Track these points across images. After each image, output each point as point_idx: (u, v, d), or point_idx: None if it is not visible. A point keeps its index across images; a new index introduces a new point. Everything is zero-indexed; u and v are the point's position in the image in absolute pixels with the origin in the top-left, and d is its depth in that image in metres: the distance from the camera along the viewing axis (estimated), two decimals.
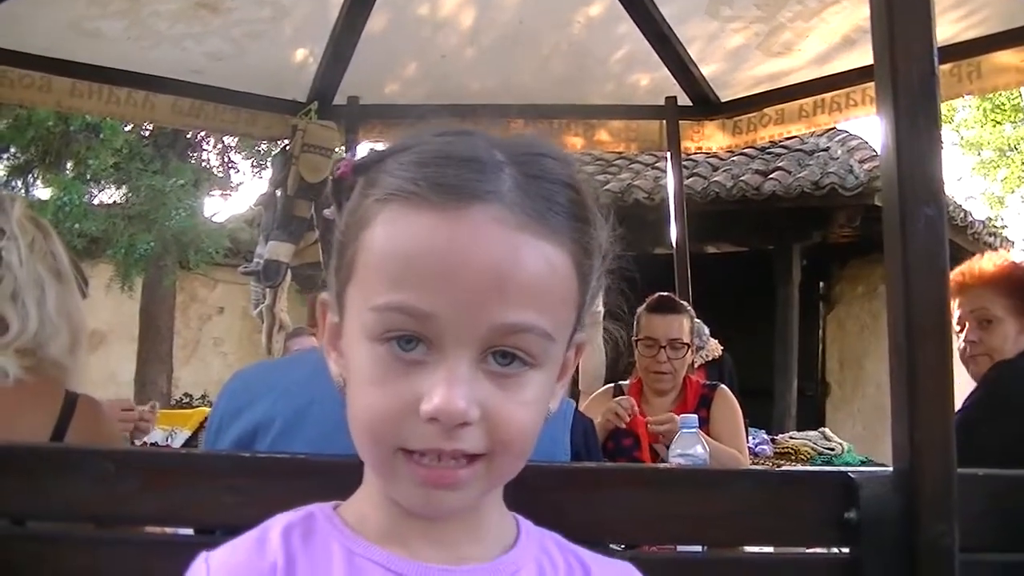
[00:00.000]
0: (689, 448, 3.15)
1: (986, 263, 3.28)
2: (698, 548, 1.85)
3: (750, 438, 4.86)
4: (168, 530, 1.76)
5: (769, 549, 1.78)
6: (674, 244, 5.49)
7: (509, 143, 1.01)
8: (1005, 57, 4.22)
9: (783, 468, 3.91)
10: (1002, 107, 23.29)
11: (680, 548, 1.86)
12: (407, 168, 0.97)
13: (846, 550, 1.51)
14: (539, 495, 1.20)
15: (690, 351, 4.16)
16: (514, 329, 0.95)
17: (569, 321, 1.02)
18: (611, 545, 1.72)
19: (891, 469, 1.51)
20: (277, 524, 1.05)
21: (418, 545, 1.02)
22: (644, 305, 4.20)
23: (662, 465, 3.32)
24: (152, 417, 3.52)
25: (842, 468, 2.00)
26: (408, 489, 0.98)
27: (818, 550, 1.70)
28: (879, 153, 1.62)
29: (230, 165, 13.56)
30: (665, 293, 4.33)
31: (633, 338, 4.18)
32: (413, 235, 0.94)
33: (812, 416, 10.72)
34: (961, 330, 3.24)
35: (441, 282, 0.92)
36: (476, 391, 0.94)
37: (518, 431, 0.97)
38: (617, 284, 1.13)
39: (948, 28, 4.25)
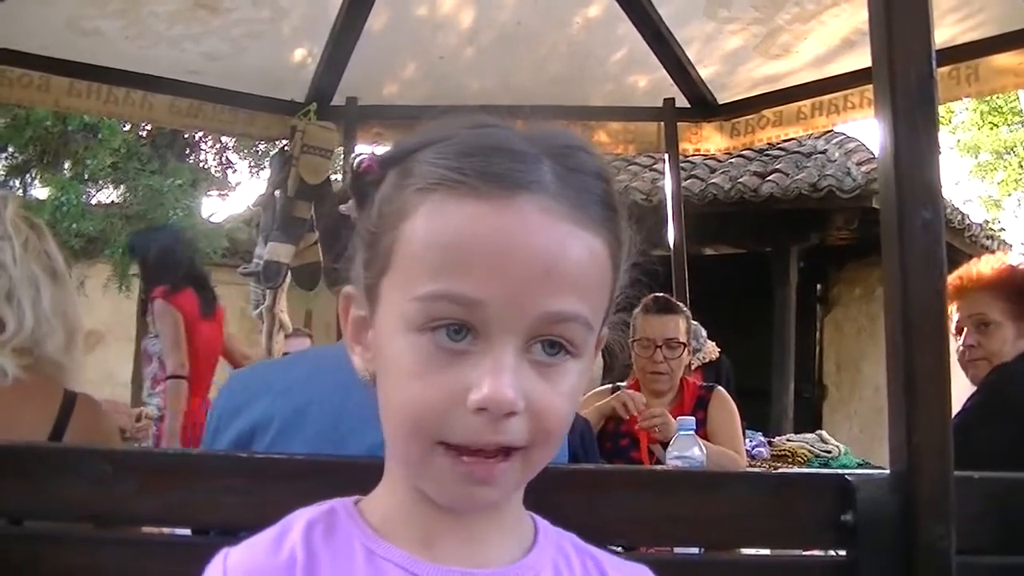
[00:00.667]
0: (686, 450, 3.16)
1: (983, 266, 3.27)
2: (695, 550, 1.86)
3: (747, 440, 4.87)
4: (165, 530, 1.76)
5: (766, 551, 1.79)
6: (672, 246, 5.49)
7: (541, 136, 1.02)
8: (1004, 60, 4.22)
9: (780, 470, 3.91)
10: (999, 110, 23.34)
11: (677, 550, 1.87)
12: (450, 158, 0.97)
13: (843, 552, 1.51)
14: (539, 496, 1.20)
15: (686, 351, 4.17)
16: (560, 317, 0.95)
17: (603, 311, 1.03)
18: (609, 547, 1.73)
19: (888, 471, 1.51)
20: (299, 521, 1.05)
21: (439, 545, 1.02)
22: (640, 306, 4.21)
23: (660, 467, 3.32)
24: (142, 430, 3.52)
25: (839, 471, 2.01)
26: (445, 483, 0.97)
27: (815, 552, 1.70)
28: (877, 155, 1.62)
29: (228, 165, 13.57)
30: (660, 294, 4.34)
31: (630, 340, 4.18)
32: (461, 223, 0.94)
33: (809, 418, 10.73)
34: (959, 334, 3.24)
35: (491, 270, 0.92)
36: (522, 381, 0.94)
37: (557, 422, 0.97)
38: (639, 278, 1.12)
39: (947, 31, 4.25)
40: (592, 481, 1.58)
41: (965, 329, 3.23)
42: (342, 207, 1.12)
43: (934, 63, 1.51)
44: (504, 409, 0.92)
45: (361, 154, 1.08)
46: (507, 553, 1.05)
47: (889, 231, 1.53)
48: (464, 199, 0.94)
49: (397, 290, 0.98)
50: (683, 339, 4.09)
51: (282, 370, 1.90)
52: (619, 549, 1.69)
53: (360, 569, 1.00)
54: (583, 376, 1.01)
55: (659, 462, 3.74)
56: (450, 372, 0.94)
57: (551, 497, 1.34)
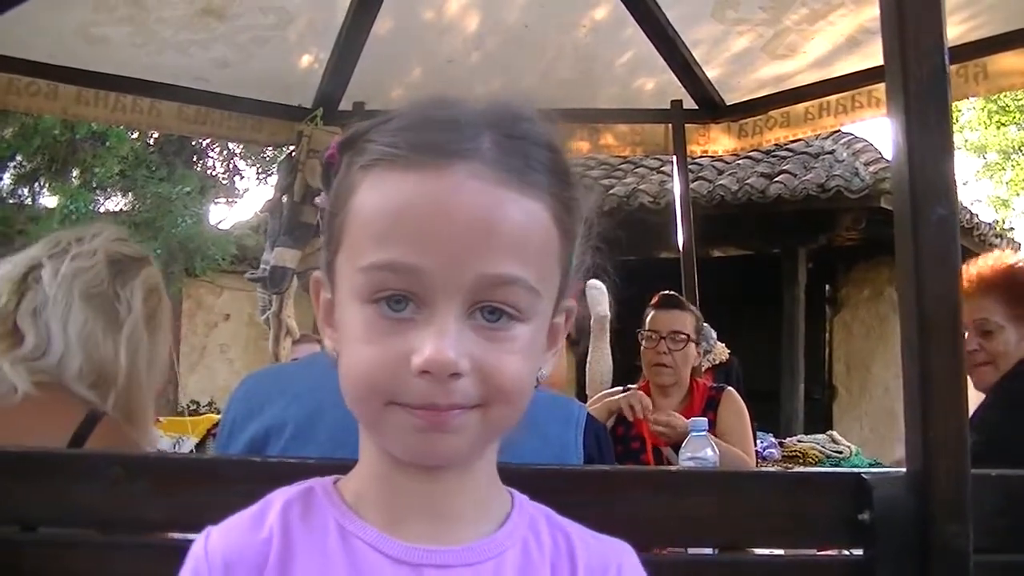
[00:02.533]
0: (699, 451, 3.15)
1: (984, 268, 3.23)
2: (709, 550, 1.85)
3: (758, 442, 4.86)
4: (177, 535, 1.76)
5: (779, 551, 1.78)
6: (681, 248, 5.49)
7: (491, 108, 1.05)
8: (1011, 58, 4.21)
9: (796, 470, 3.90)
10: (1007, 108, 23.27)
11: (692, 550, 1.86)
12: (390, 134, 1.01)
13: (859, 551, 1.51)
14: (553, 498, 1.19)
15: (692, 346, 4.16)
16: (499, 280, 0.97)
17: (554, 277, 1.05)
18: None
19: (904, 470, 1.51)
20: (277, 500, 1.09)
21: (409, 521, 1.05)
22: (650, 303, 4.23)
23: (674, 467, 3.32)
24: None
25: (855, 469, 2.00)
26: (404, 437, 1.00)
27: (831, 552, 1.69)
28: (890, 152, 1.61)
29: (235, 172, 13.60)
30: (670, 291, 4.35)
31: (639, 337, 4.20)
32: (396, 193, 0.98)
33: (819, 419, 10.72)
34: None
35: (424, 236, 0.95)
36: (465, 344, 0.96)
37: (510, 379, 0.99)
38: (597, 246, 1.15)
39: (954, 29, 4.24)
40: (606, 482, 1.58)
41: (966, 333, 3.19)
42: (318, 200, 1.17)
43: (946, 58, 1.51)
44: (446, 370, 0.95)
45: (329, 146, 1.11)
46: (477, 529, 1.07)
47: (903, 228, 1.52)
48: (400, 171, 0.99)
49: (347, 263, 1.02)
50: (688, 332, 4.10)
51: (295, 375, 1.90)
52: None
53: (333, 546, 1.04)
54: (536, 339, 1.03)
55: (670, 464, 3.74)
56: (397, 338, 0.97)
57: (565, 497, 1.34)
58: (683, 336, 4.08)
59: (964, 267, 3.24)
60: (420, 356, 0.95)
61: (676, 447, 3.55)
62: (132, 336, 2.20)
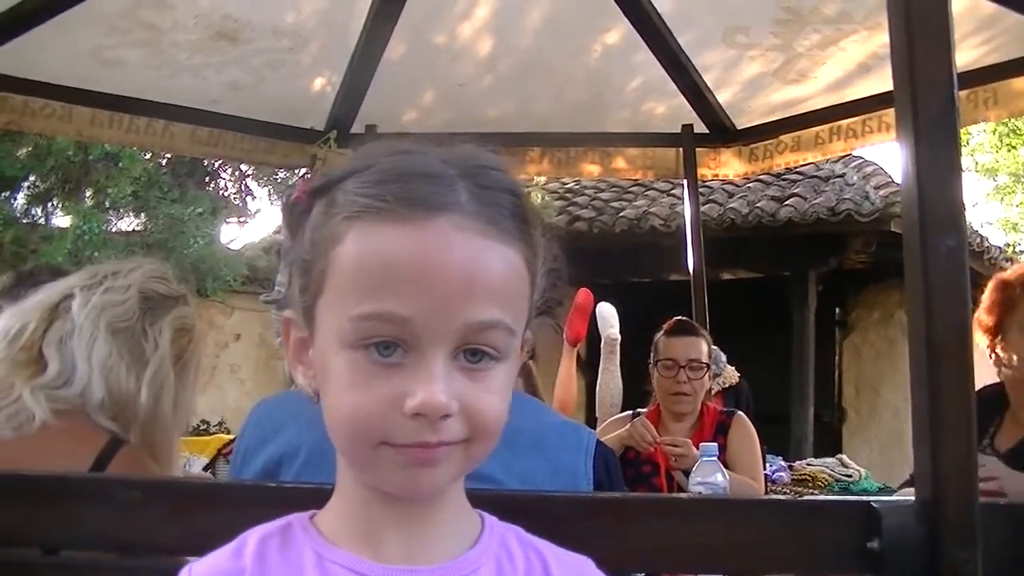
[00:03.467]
0: (709, 476, 3.15)
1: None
2: None
3: (767, 465, 4.85)
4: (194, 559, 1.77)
5: None
6: (691, 271, 5.50)
7: (456, 157, 1.09)
8: (1022, 83, 4.22)
9: (806, 497, 3.89)
10: (1017, 131, 23.22)
11: None
12: (372, 186, 1.05)
13: None
14: (564, 525, 1.21)
15: (708, 373, 4.18)
16: (483, 326, 1.02)
17: (524, 315, 1.11)
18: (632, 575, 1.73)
19: (913, 498, 1.51)
20: (255, 534, 1.13)
21: (384, 545, 1.09)
22: (662, 330, 4.22)
23: (684, 494, 3.32)
24: None
25: (865, 497, 2.00)
26: (392, 471, 1.03)
27: None
28: (899, 183, 1.63)
29: (247, 193, 13.64)
30: (682, 317, 4.35)
31: (651, 363, 4.20)
32: (386, 246, 1.01)
33: (829, 442, 10.68)
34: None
35: (415, 287, 1.00)
36: (452, 385, 1.01)
37: (491, 418, 1.05)
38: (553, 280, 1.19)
39: (966, 54, 4.25)
40: (616, 508, 1.59)
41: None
42: (275, 234, 1.18)
43: (956, 90, 1.52)
44: (439, 412, 1.00)
45: (293, 185, 1.14)
46: (449, 550, 1.11)
47: (912, 259, 1.53)
48: (387, 223, 1.02)
49: (332, 311, 1.05)
50: (706, 360, 4.10)
51: (307, 400, 1.91)
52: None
53: (311, 574, 1.07)
54: (510, 375, 1.09)
55: (680, 488, 3.74)
56: (386, 383, 1.01)
57: (575, 525, 1.35)
58: (701, 364, 4.09)
59: (1007, 273, 3.21)
60: (414, 400, 0.99)
61: (687, 472, 3.55)
62: (157, 375, 2.20)
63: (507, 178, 1.11)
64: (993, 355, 3.15)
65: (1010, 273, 3.24)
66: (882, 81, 4.63)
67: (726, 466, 3.46)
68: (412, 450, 1.01)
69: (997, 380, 3.20)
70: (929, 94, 1.52)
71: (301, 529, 1.12)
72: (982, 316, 3.16)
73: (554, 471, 1.72)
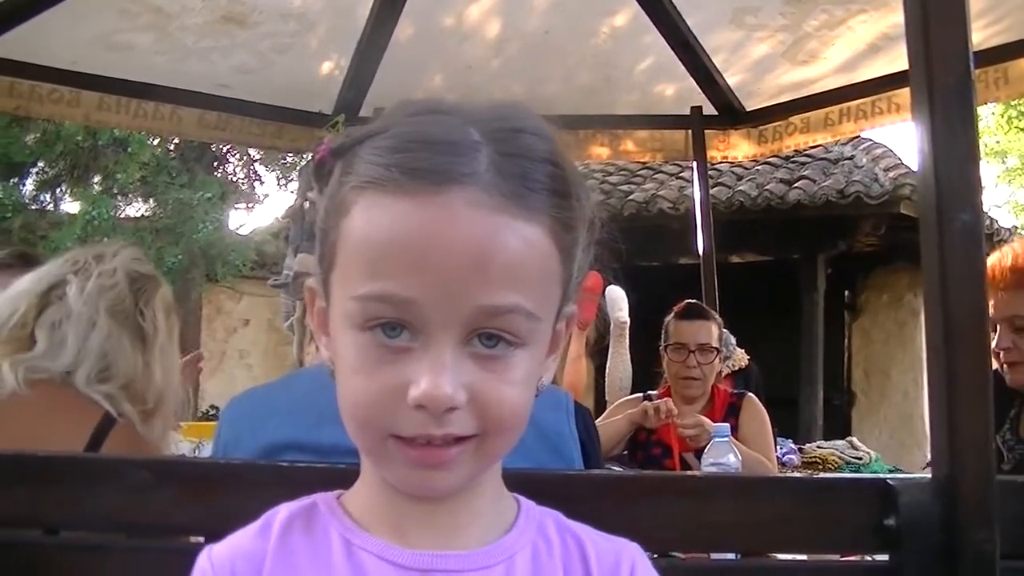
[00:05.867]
0: (721, 457, 3.15)
1: (1017, 259, 3.14)
2: (731, 555, 1.85)
3: (778, 447, 4.84)
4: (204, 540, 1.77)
5: (802, 557, 1.78)
6: (700, 254, 5.49)
7: (487, 118, 1.01)
8: None
9: (820, 475, 3.88)
10: None
11: (714, 555, 1.86)
12: (381, 154, 0.98)
13: (885, 557, 1.50)
14: (575, 504, 1.19)
15: (719, 357, 4.17)
16: (496, 311, 0.95)
17: (554, 297, 1.03)
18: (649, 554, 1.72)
19: (930, 475, 1.50)
20: (280, 514, 1.08)
21: (414, 531, 1.04)
22: (672, 313, 4.22)
23: (697, 472, 3.31)
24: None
25: (880, 475, 2.00)
26: (401, 471, 0.99)
27: (856, 557, 1.69)
28: (915, 158, 1.61)
29: (256, 178, 13.65)
30: (692, 300, 4.35)
31: (661, 346, 4.19)
32: (388, 223, 0.95)
33: (838, 425, 10.67)
34: (992, 332, 3.11)
35: (418, 268, 0.93)
36: (462, 374, 0.94)
37: (509, 410, 0.98)
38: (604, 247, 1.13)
39: (975, 34, 4.17)
40: (629, 487, 1.58)
41: (999, 328, 3.10)
42: (309, 194, 1.15)
43: (971, 64, 1.51)
44: (442, 406, 0.93)
45: (322, 140, 1.09)
46: (483, 536, 1.06)
47: (928, 234, 1.52)
48: (392, 197, 0.95)
49: (340, 288, 1.00)
50: (716, 344, 4.10)
51: (282, 391, 1.90)
52: (655, 556, 1.69)
53: (339, 560, 1.03)
54: (535, 362, 1.02)
55: (690, 469, 3.74)
56: (391, 368, 0.95)
57: (587, 504, 1.34)
58: (712, 348, 4.08)
59: (994, 254, 3.16)
60: (417, 389, 0.93)
61: (698, 453, 3.55)
62: (163, 352, 2.32)
63: (543, 144, 1.01)
64: None
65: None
66: (892, 62, 4.61)
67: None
68: (420, 451, 0.96)
69: None
70: (945, 67, 1.51)
71: (328, 511, 1.08)
72: None
73: (539, 434, 1.70)
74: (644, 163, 10.83)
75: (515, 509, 1.12)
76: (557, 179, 1.00)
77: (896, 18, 1.56)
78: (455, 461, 0.97)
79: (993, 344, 3.06)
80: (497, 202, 0.95)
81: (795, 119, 5.28)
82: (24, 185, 11.50)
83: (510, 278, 0.95)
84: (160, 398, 2.29)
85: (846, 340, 12.41)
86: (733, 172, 10.92)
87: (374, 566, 1.02)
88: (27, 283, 2.28)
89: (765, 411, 4.11)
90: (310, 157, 1.13)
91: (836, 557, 1.73)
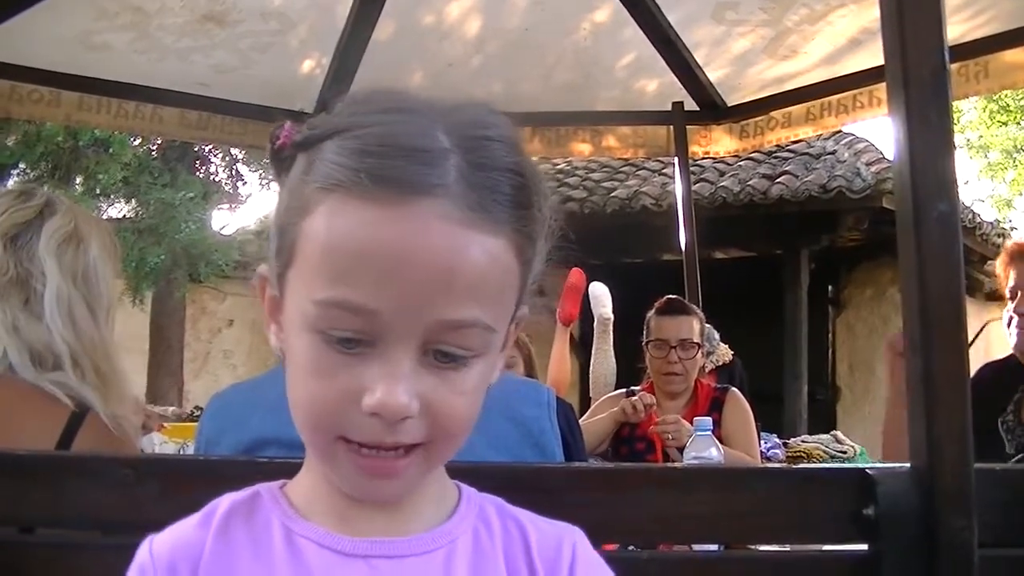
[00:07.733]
0: (703, 451, 3.16)
1: None
2: (714, 547, 1.86)
3: (762, 442, 4.86)
4: None
5: (784, 548, 1.78)
6: (683, 250, 5.49)
7: (456, 121, 0.99)
8: (1013, 56, 4.21)
9: (800, 466, 3.90)
10: (1007, 108, 23.24)
11: (696, 547, 1.87)
12: (348, 156, 0.95)
13: (865, 546, 1.51)
14: (557, 496, 1.20)
15: (700, 352, 4.19)
16: (457, 325, 0.95)
17: (511, 306, 1.04)
18: (630, 547, 1.73)
19: (908, 465, 1.51)
20: (223, 503, 1.09)
21: (356, 518, 1.04)
22: (653, 309, 4.23)
23: (679, 464, 3.32)
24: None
25: (860, 465, 2.01)
26: (348, 476, 1.00)
27: (835, 547, 1.70)
28: (891, 150, 1.62)
29: (238, 177, 13.62)
30: (673, 296, 4.35)
31: (643, 342, 4.20)
32: (356, 230, 0.93)
33: (823, 420, 10.69)
34: (1012, 298, 3.14)
35: (385, 279, 0.92)
36: (417, 384, 0.95)
37: (458, 420, 0.99)
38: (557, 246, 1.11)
39: (956, 28, 4.24)
40: (611, 479, 1.58)
41: (1020, 294, 3.13)
42: (265, 218, 1.12)
43: (947, 56, 1.52)
44: (397, 415, 0.94)
45: (282, 124, 1.06)
46: (425, 522, 1.07)
47: (905, 226, 1.53)
48: (360, 203, 0.93)
49: (299, 287, 0.99)
50: (697, 340, 4.11)
51: (264, 387, 1.89)
52: (638, 549, 1.70)
53: (279, 548, 1.03)
54: (488, 370, 1.02)
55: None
56: (346, 373, 0.95)
57: (569, 496, 1.35)
58: (693, 344, 4.09)
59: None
60: (372, 397, 0.94)
61: (682, 449, 3.56)
62: (60, 304, 2.04)
63: (510, 153, 1.00)
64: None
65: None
66: (872, 56, 4.62)
67: (721, 442, 3.46)
68: (369, 461, 0.97)
69: None
70: (920, 59, 1.52)
71: (270, 499, 1.08)
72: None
73: (521, 429, 1.71)
74: (626, 159, 10.84)
75: (456, 495, 1.13)
76: (521, 190, 1.00)
77: (876, 12, 1.56)
78: (404, 469, 0.99)
79: (1011, 307, 3.09)
80: (465, 216, 0.94)
81: (777, 114, 5.29)
82: (5, 186, 11.45)
83: (473, 293, 0.95)
84: (83, 352, 2.04)
85: (830, 335, 12.44)
86: (715, 168, 10.93)
87: (314, 553, 1.03)
88: None
89: (749, 406, 4.12)
90: (269, 141, 1.09)
91: (816, 547, 1.74)
